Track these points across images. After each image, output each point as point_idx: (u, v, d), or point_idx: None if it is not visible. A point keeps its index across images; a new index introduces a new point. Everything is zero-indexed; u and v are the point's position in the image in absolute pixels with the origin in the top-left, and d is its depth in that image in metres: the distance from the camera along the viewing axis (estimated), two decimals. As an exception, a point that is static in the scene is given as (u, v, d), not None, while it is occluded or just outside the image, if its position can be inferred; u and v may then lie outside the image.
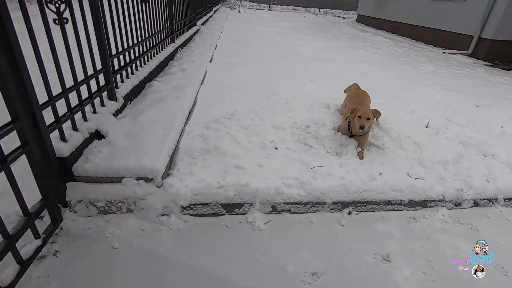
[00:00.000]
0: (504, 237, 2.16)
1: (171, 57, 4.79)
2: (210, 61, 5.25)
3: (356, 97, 3.19)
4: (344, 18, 17.93)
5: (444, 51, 8.91)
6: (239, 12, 16.29)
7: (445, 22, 9.52)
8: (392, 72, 5.98)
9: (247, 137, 2.76)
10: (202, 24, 8.91)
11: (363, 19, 15.64)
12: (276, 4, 21.05)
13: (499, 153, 3.07)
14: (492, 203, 2.49)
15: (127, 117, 2.63)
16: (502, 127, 3.71)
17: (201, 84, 4.00)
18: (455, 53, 8.69)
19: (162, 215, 2.05)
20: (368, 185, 2.34)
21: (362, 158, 2.67)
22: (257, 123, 2.97)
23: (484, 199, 2.47)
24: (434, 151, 2.94)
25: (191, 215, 2.11)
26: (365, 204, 2.31)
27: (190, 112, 3.15)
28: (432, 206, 2.40)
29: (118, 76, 2.88)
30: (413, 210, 2.37)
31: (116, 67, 2.84)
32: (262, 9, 18.85)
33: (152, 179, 2.01)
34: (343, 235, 2.08)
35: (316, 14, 18.94)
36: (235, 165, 2.38)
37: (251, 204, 2.17)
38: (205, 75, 4.43)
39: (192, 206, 2.09)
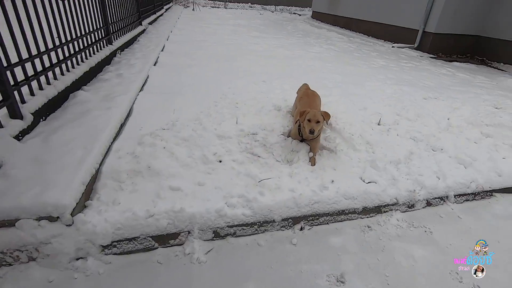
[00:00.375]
0: (457, 238, 2.11)
1: (107, 61, 4.29)
2: (155, 64, 4.80)
3: (306, 98, 3.02)
4: (300, 15, 18.10)
5: (393, 45, 9.25)
6: (193, 10, 15.68)
7: (393, 17, 9.89)
8: (346, 68, 5.98)
9: (188, 151, 2.45)
10: (150, 23, 8.31)
11: (318, 16, 15.88)
12: (232, 1, 20.68)
13: (447, 146, 3.09)
14: (444, 201, 2.45)
15: (36, 138, 2.18)
16: (448, 119, 3.80)
17: (140, 91, 3.59)
18: (403, 47, 9.05)
19: (77, 259, 1.68)
20: (319, 196, 2.15)
21: (314, 165, 2.49)
22: (200, 133, 2.66)
23: (436, 197, 2.42)
24: (386, 150, 2.86)
25: (115, 254, 1.76)
26: (317, 217, 2.12)
27: (123, 125, 2.76)
28: (387, 211, 2.29)
29: (25, 88, 2.40)
30: (367, 217, 2.24)
31: (22, 77, 2.36)
32: (218, 7, 18.36)
33: (58, 217, 1.63)
34: (294, 257, 1.87)
35: (273, 11, 18.91)
36: (170, 187, 2.06)
37: (189, 232, 1.87)
38: (146, 80, 4.01)
39: (115, 243, 1.74)
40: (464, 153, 2.99)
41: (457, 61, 8.07)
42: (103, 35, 4.38)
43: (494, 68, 7.81)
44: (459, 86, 5.48)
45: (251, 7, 20.27)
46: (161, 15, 11.14)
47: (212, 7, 18.22)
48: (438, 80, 5.79)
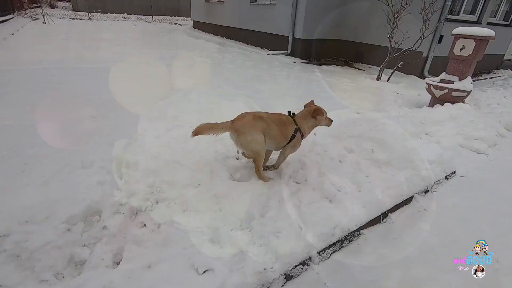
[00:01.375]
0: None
1: None
2: None
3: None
4: (181, 25, 17.12)
5: (269, 52, 9.27)
6: (44, 23, 12.78)
7: (267, 26, 9.95)
8: (213, 90, 5.23)
9: None
10: None
11: (199, 25, 15.25)
12: (100, 12, 18.07)
13: (311, 174, 2.62)
14: (307, 265, 1.86)
15: None
16: (314, 134, 3.46)
17: None
18: (278, 54, 9.14)
19: None
20: None
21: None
22: None
23: (296, 266, 1.80)
24: (237, 202, 2.15)
25: None
26: None
27: None
28: (229, 317, 1.53)
29: None
30: None
31: None
32: (81, 19, 15.59)
33: None
34: None
35: (150, 22, 17.32)
36: None
37: None
38: None
39: None
40: (328, 180, 2.57)
41: (326, 64, 8.54)
42: None
43: (355, 68, 8.55)
44: (327, 92, 5.50)
45: (124, 18, 18.16)
46: (-17, 31, 8.42)
47: (72, 19, 15.40)
48: (308, 88, 5.74)
